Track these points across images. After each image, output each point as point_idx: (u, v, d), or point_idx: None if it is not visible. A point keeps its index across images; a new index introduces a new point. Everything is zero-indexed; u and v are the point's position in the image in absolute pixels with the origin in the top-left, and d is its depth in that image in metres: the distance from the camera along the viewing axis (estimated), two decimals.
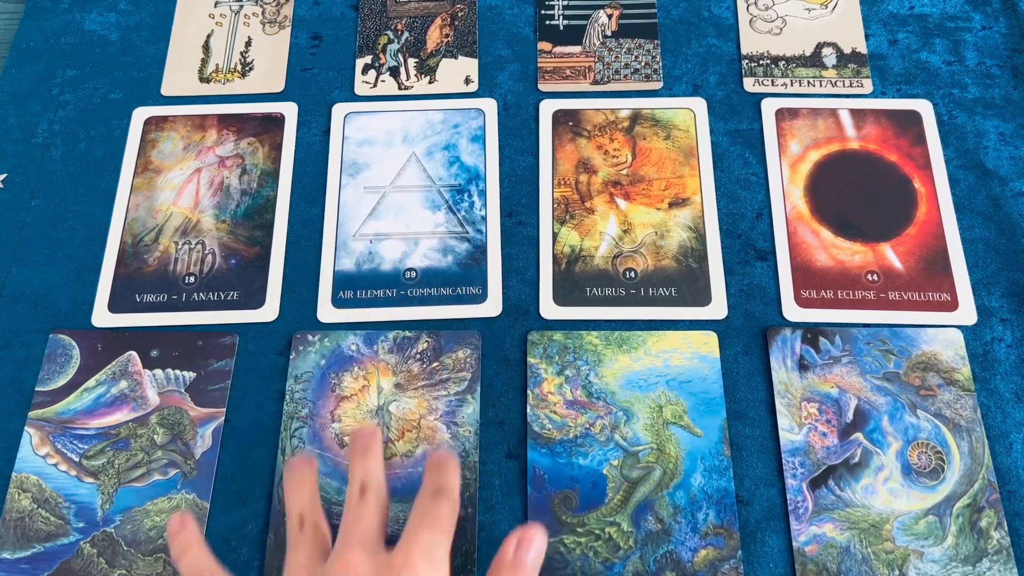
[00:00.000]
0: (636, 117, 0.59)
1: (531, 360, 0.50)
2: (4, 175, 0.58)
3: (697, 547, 0.46)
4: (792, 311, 0.52)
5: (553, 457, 0.48)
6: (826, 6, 0.63)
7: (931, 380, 0.50)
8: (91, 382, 0.51)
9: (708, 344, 0.51)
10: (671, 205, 0.56)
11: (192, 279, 0.54)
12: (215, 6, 0.65)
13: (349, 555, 0.37)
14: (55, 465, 0.49)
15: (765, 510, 0.47)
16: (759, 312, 0.52)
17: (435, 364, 0.51)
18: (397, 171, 0.57)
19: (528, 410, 0.49)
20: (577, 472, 0.48)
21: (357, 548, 0.37)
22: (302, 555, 0.39)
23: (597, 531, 0.46)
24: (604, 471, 0.47)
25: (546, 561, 0.45)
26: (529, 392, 0.49)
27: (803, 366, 0.50)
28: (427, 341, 0.52)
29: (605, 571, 0.45)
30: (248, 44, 0.63)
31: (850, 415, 0.49)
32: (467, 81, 0.61)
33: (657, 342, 0.51)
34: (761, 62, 0.61)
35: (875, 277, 0.53)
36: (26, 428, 0.49)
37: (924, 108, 0.58)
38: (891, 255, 0.54)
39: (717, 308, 0.52)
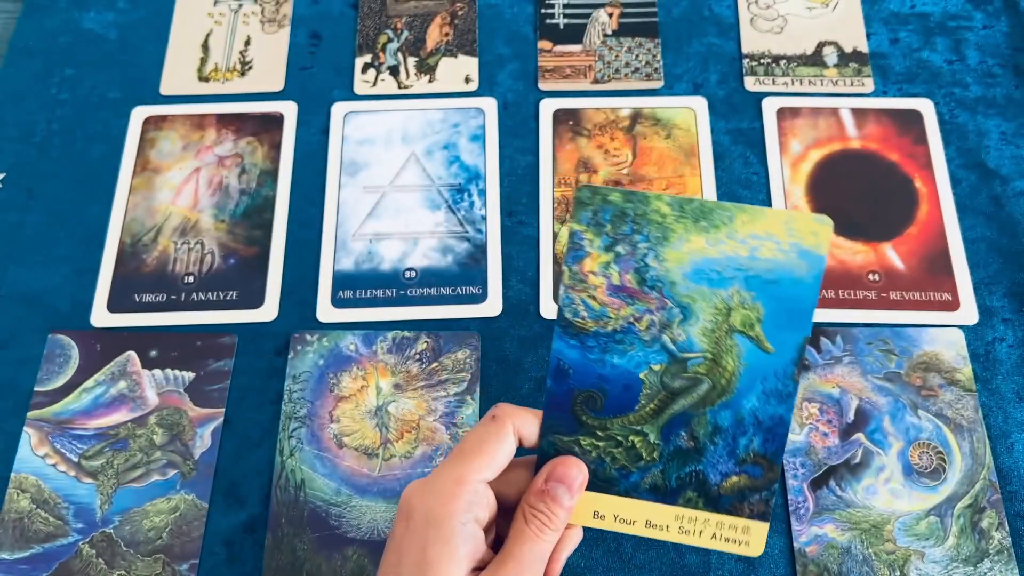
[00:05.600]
0: (636, 116, 0.59)
1: (575, 227, 0.38)
2: (2, 175, 0.58)
3: (729, 472, 0.38)
4: None
5: (583, 351, 0.39)
6: (827, 5, 0.63)
7: (932, 380, 0.50)
8: (90, 382, 0.50)
9: (817, 236, 0.36)
10: None
11: (191, 279, 0.54)
12: (214, 5, 0.64)
13: None
14: (54, 465, 0.48)
15: None
16: None
17: (434, 365, 0.51)
18: (397, 171, 0.57)
19: (561, 291, 0.38)
20: (609, 372, 0.39)
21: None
22: None
23: (619, 437, 0.39)
24: (641, 375, 0.39)
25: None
26: (566, 268, 0.38)
27: (804, 366, 0.50)
28: (426, 342, 0.51)
29: (619, 478, 0.39)
30: (247, 43, 0.63)
31: (851, 415, 0.49)
32: (467, 80, 0.60)
33: (748, 223, 0.37)
34: (762, 61, 0.60)
35: (876, 277, 0.53)
36: (25, 428, 0.49)
37: (925, 107, 0.58)
38: (892, 255, 0.53)
39: None
